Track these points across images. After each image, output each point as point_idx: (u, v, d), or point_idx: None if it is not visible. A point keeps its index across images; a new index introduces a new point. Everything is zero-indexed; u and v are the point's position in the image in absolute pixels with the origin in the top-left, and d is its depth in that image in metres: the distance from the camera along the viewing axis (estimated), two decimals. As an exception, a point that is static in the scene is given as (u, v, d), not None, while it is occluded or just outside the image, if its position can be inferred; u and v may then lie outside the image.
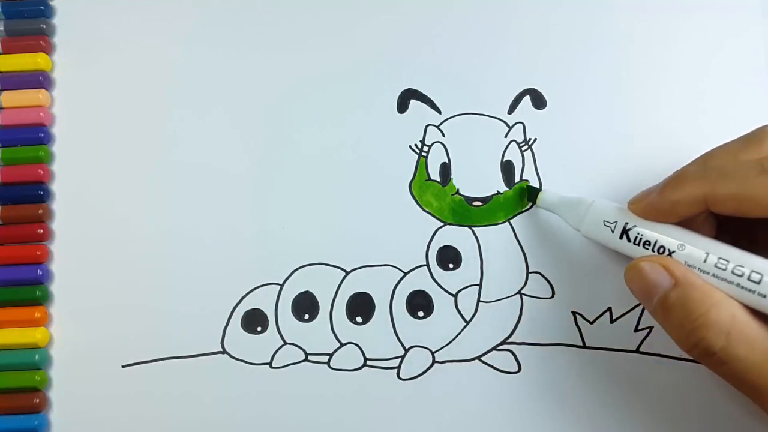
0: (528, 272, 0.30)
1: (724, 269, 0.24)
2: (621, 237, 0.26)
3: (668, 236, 0.25)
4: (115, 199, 0.31)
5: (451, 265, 0.30)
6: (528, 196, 0.30)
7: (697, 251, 0.24)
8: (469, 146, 0.31)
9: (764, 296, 0.23)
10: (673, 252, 0.25)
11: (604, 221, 0.27)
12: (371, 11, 0.32)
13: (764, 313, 0.23)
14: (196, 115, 0.32)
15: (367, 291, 0.30)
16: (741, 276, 0.24)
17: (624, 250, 0.26)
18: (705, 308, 0.23)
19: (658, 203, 0.25)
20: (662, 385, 0.29)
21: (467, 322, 0.30)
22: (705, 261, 0.24)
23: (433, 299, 0.30)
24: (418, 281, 0.30)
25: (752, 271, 0.23)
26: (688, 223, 0.26)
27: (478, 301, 0.30)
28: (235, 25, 0.32)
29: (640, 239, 0.26)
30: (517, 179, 0.30)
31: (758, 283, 0.23)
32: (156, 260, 0.30)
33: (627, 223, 0.26)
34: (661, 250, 0.25)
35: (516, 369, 0.29)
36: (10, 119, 0.32)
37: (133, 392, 0.30)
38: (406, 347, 0.30)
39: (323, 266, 0.30)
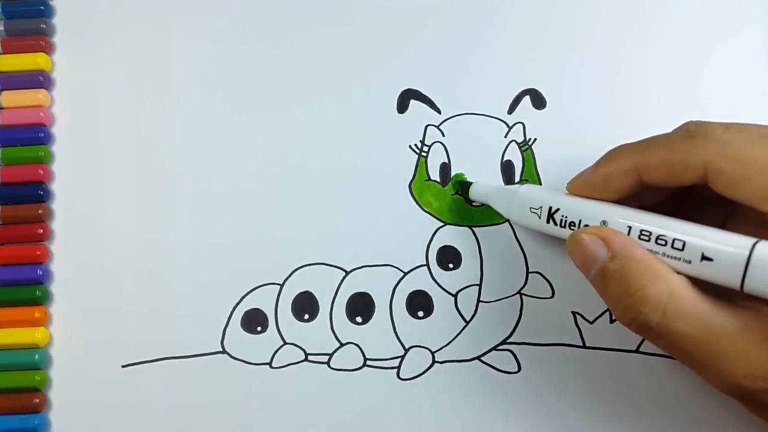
0: (528, 272, 0.30)
1: (648, 240, 0.24)
2: (548, 221, 0.26)
3: (591, 213, 0.25)
4: (115, 198, 0.31)
5: (451, 265, 0.30)
6: (460, 190, 0.30)
7: (620, 226, 0.24)
8: (469, 146, 0.31)
9: (689, 262, 0.23)
10: None
11: (530, 208, 0.27)
12: (371, 11, 0.32)
13: (702, 280, 0.23)
14: (196, 115, 0.32)
15: (367, 291, 0.30)
16: (665, 245, 0.23)
17: (555, 234, 0.26)
18: (642, 282, 0.23)
19: (592, 177, 0.26)
20: (662, 385, 0.29)
21: (467, 322, 0.30)
22: (629, 235, 0.24)
23: (433, 299, 0.30)
24: (418, 281, 0.30)
25: (674, 239, 0.23)
26: (634, 202, 0.26)
27: (478, 301, 0.30)
28: (235, 26, 0.32)
29: (565, 221, 0.26)
30: (517, 179, 0.30)
31: (682, 249, 0.23)
32: (156, 260, 0.30)
33: (551, 207, 0.26)
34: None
35: (516, 369, 0.29)
36: (10, 119, 0.32)
37: (133, 392, 0.30)
38: (406, 347, 0.30)
39: (323, 266, 0.30)
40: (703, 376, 0.23)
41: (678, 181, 0.24)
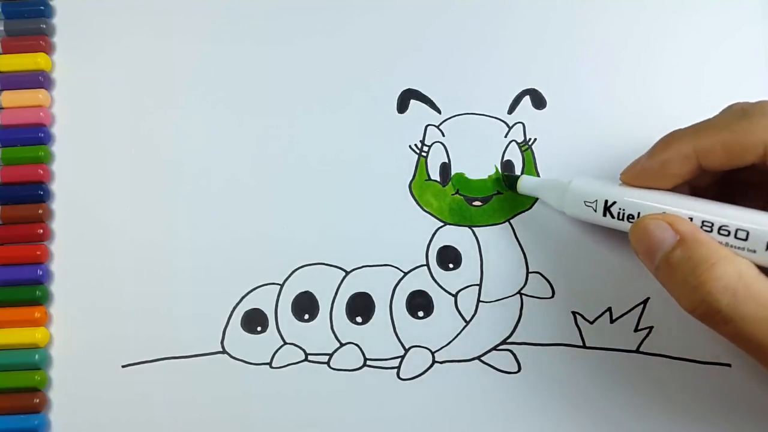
0: (528, 272, 0.30)
1: (710, 231, 0.24)
2: (605, 215, 0.26)
3: (651, 204, 0.25)
4: (115, 198, 0.31)
5: (451, 265, 0.30)
6: (506, 184, 0.30)
7: (681, 216, 0.24)
8: (469, 146, 0.31)
9: (754, 251, 0.23)
10: None
11: (585, 201, 0.27)
12: (371, 11, 0.32)
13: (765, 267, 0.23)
14: (196, 115, 0.32)
15: (367, 291, 0.30)
16: (728, 235, 0.23)
17: (612, 226, 0.26)
18: (710, 263, 0.22)
19: (649, 166, 0.25)
20: (662, 385, 0.29)
21: (467, 322, 0.30)
22: (692, 223, 0.24)
23: (433, 299, 0.30)
24: (418, 281, 0.30)
25: (737, 229, 0.23)
26: (690, 190, 0.25)
27: (478, 301, 0.30)
28: (235, 26, 0.32)
29: (623, 213, 0.25)
30: (517, 179, 0.30)
31: (746, 239, 0.23)
32: (156, 260, 0.30)
33: (607, 201, 0.26)
34: None
35: (516, 369, 0.29)
36: (10, 119, 0.32)
37: (133, 392, 0.30)
38: (406, 347, 0.30)
39: (323, 266, 0.30)
40: (765, 362, 0.23)
41: (738, 163, 0.24)
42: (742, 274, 0.22)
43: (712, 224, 0.24)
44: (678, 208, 0.24)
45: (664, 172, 0.25)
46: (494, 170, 0.31)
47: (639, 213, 0.25)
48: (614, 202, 0.26)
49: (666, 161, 0.25)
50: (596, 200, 0.26)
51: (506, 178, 0.30)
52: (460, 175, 0.30)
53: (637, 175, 0.26)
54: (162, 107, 0.32)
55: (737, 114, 0.24)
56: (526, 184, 0.29)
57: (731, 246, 0.23)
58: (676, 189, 0.26)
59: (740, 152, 0.24)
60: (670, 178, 0.25)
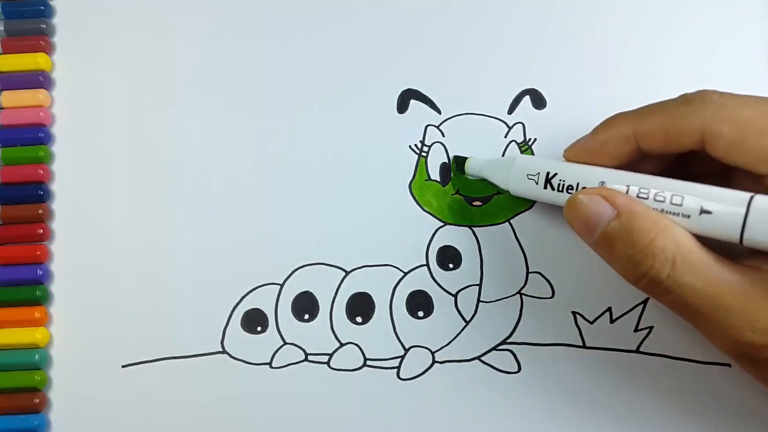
0: (528, 272, 0.30)
1: (646, 198, 0.24)
2: (545, 187, 0.26)
3: (590, 175, 0.25)
4: (115, 199, 0.31)
5: (451, 265, 0.30)
6: (456, 167, 0.30)
7: (618, 186, 0.24)
8: (469, 146, 0.31)
9: (688, 216, 0.23)
10: None
11: (528, 175, 0.27)
12: (371, 11, 0.32)
13: (702, 235, 0.23)
14: (196, 115, 0.32)
15: (367, 291, 0.30)
16: (663, 201, 0.24)
17: (552, 200, 0.27)
18: (651, 236, 0.23)
19: (590, 143, 0.26)
20: (662, 385, 0.29)
21: (467, 322, 0.30)
22: (626, 194, 0.24)
23: (433, 299, 0.30)
24: (418, 281, 0.30)
25: (672, 195, 0.24)
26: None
27: (478, 301, 0.30)
28: (235, 26, 0.32)
29: (563, 185, 0.26)
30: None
31: (680, 205, 0.23)
32: (156, 260, 0.30)
33: (549, 173, 0.26)
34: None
35: (516, 369, 0.29)
36: (10, 119, 0.32)
37: (133, 392, 0.30)
38: (406, 347, 0.30)
39: (323, 266, 0.30)
40: (708, 333, 0.23)
41: (676, 147, 0.24)
42: (680, 244, 0.23)
43: (648, 191, 0.24)
44: (615, 178, 0.25)
45: (604, 151, 0.26)
46: None
47: (578, 184, 0.25)
48: (555, 174, 0.26)
49: (605, 140, 0.26)
50: (538, 173, 0.27)
51: (456, 159, 0.30)
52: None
53: (578, 152, 0.27)
54: (162, 107, 0.32)
55: (679, 100, 0.24)
56: (473, 165, 0.30)
57: (667, 212, 0.24)
58: None
59: (677, 136, 0.24)
60: (608, 157, 0.26)
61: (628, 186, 0.24)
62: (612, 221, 0.24)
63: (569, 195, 0.26)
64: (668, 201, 0.24)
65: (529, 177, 0.27)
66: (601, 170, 0.25)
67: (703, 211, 0.23)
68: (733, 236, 0.23)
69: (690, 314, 0.23)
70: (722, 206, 0.23)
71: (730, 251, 0.23)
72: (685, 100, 0.24)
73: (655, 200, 0.24)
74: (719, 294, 0.22)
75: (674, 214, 0.24)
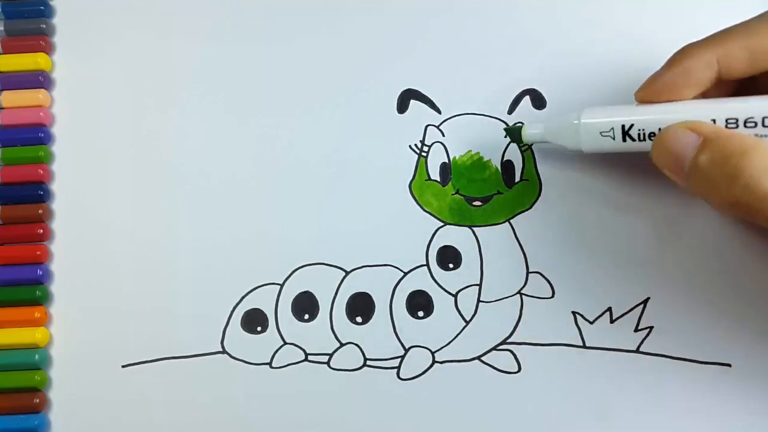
0: (528, 272, 0.30)
1: (736, 126, 0.23)
2: (624, 140, 0.25)
3: (669, 116, 0.24)
4: (114, 199, 0.31)
5: (451, 265, 0.30)
6: (512, 138, 0.30)
7: (705, 118, 0.23)
8: (469, 146, 0.31)
9: None
10: None
11: (601, 132, 0.26)
12: (371, 11, 0.32)
13: None
14: (196, 115, 0.32)
15: (367, 291, 0.30)
16: (755, 126, 0.23)
17: (633, 150, 0.25)
18: (741, 152, 0.22)
19: (668, 77, 0.24)
20: (662, 385, 0.29)
21: (467, 322, 0.30)
22: (715, 124, 0.23)
23: (433, 299, 0.30)
24: (418, 281, 0.30)
25: (764, 117, 0.23)
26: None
27: (478, 301, 0.30)
28: (235, 26, 0.32)
29: (644, 134, 0.24)
30: (517, 179, 0.30)
31: None
32: (156, 260, 0.30)
33: (624, 125, 0.25)
34: None
35: (516, 369, 0.29)
36: (10, 119, 0.32)
37: (133, 392, 0.30)
38: (406, 347, 0.30)
39: (323, 266, 0.30)
40: None
41: (760, 67, 0.23)
42: None
43: (737, 119, 0.23)
44: (697, 112, 0.23)
45: (687, 81, 0.24)
46: (493, 169, 0.30)
47: (659, 129, 0.24)
48: (632, 125, 0.25)
49: (688, 69, 0.24)
50: (612, 128, 0.25)
51: (509, 131, 0.30)
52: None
53: (657, 90, 0.25)
54: (162, 107, 0.32)
55: (760, 18, 0.23)
56: (530, 134, 0.28)
57: (760, 135, 0.23)
58: None
59: (763, 55, 0.23)
60: (690, 88, 0.24)
61: (714, 118, 0.23)
62: (700, 151, 0.23)
63: (651, 141, 0.24)
64: (761, 124, 0.22)
65: (603, 134, 0.25)
66: (680, 107, 0.24)
67: None
68: None
69: None
70: None
71: None
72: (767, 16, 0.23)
73: (745, 126, 0.23)
74: None
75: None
